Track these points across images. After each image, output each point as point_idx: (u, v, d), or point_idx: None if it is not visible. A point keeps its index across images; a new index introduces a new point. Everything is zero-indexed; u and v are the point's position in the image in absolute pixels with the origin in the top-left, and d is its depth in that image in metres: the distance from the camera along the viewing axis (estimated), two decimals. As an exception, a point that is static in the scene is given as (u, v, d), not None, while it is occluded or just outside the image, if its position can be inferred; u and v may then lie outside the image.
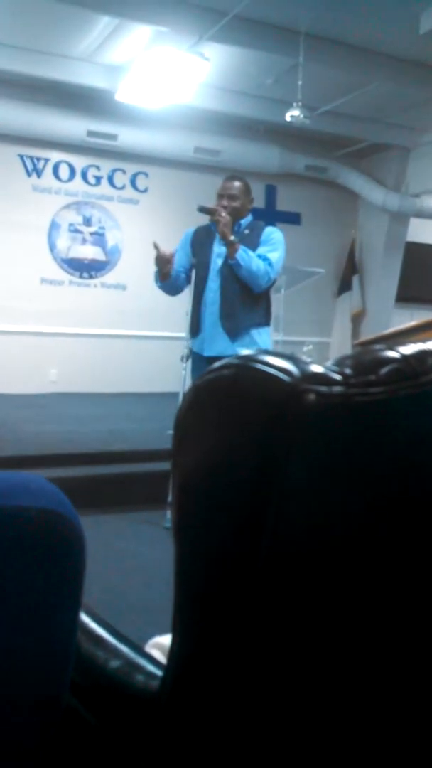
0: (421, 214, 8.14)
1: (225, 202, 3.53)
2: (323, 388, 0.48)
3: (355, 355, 0.53)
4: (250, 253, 3.44)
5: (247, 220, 3.62)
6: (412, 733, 0.60)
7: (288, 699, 0.55)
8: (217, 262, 3.56)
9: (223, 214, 3.43)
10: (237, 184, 3.59)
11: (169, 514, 3.57)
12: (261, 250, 3.51)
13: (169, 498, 3.54)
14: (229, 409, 0.51)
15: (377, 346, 0.54)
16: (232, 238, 3.41)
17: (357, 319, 8.54)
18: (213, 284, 3.57)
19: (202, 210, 3.52)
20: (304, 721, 0.56)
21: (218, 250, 3.57)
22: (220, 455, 0.52)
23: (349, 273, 8.51)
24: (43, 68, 5.95)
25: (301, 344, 6.63)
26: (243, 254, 3.41)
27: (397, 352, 0.52)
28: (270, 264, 3.48)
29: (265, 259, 3.47)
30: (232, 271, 3.48)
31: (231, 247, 3.42)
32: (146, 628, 1.15)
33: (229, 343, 3.49)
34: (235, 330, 3.52)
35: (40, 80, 6.16)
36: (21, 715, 0.61)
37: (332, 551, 0.50)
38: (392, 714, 0.58)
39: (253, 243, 3.52)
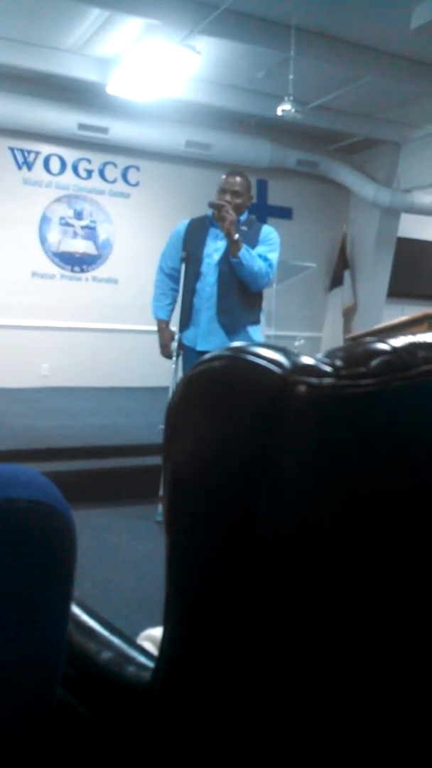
0: (412, 210, 8.16)
1: (228, 198, 3.50)
2: (314, 380, 0.48)
3: (346, 348, 0.53)
4: (252, 252, 3.44)
5: (244, 216, 3.61)
6: (407, 730, 0.60)
7: (280, 689, 0.55)
8: (213, 256, 3.54)
9: (230, 211, 3.40)
10: (239, 179, 3.56)
11: (160, 508, 3.57)
12: (260, 249, 3.50)
13: (161, 492, 3.55)
14: (220, 400, 0.52)
15: (368, 339, 0.54)
16: (236, 236, 3.39)
17: (348, 314, 8.56)
18: (210, 278, 3.54)
19: (212, 205, 3.48)
20: (296, 711, 0.56)
21: (215, 244, 3.55)
22: (210, 447, 0.52)
23: (340, 268, 8.52)
24: (34, 60, 5.91)
25: (292, 339, 6.64)
26: (246, 254, 3.40)
27: (388, 344, 0.53)
28: (270, 265, 3.49)
29: (265, 259, 3.47)
30: (230, 267, 3.47)
31: (234, 245, 3.40)
32: (138, 622, 1.15)
33: (225, 340, 3.48)
34: (232, 326, 3.51)
35: (30, 72, 6.12)
36: (12, 709, 0.61)
37: (323, 543, 0.50)
38: (385, 705, 0.58)
39: (252, 241, 3.51)
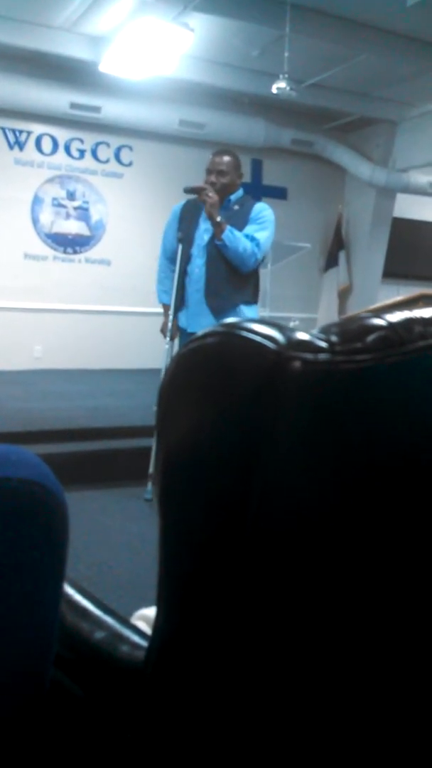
0: (408, 190, 8.12)
1: (213, 178, 3.48)
2: (309, 356, 0.48)
3: (342, 323, 0.52)
4: (237, 233, 3.40)
5: (237, 195, 3.58)
6: (405, 716, 0.60)
7: (274, 668, 0.55)
8: (203, 237, 3.53)
9: (210, 194, 3.38)
10: (226, 158, 3.53)
11: (150, 485, 3.58)
12: (249, 228, 3.47)
13: (150, 470, 3.56)
14: (213, 377, 0.51)
15: (363, 315, 0.53)
16: (218, 218, 3.37)
17: (344, 295, 8.55)
18: (199, 260, 3.54)
19: (190, 190, 3.47)
20: (291, 691, 0.56)
21: (205, 225, 3.53)
22: (204, 424, 0.51)
23: (335, 248, 8.50)
24: (24, 38, 5.83)
25: (287, 320, 6.62)
26: (230, 234, 3.38)
27: (384, 320, 0.52)
28: (258, 244, 3.44)
29: (252, 239, 3.43)
30: (218, 249, 3.45)
31: (217, 227, 3.38)
32: (132, 603, 1.15)
33: (213, 321, 3.47)
34: (219, 308, 3.50)
35: (20, 50, 6.04)
36: (4, 688, 0.61)
37: (320, 520, 0.50)
38: (383, 687, 0.58)
39: (242, 219, 3.48)
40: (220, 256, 3.45)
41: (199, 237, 3.55)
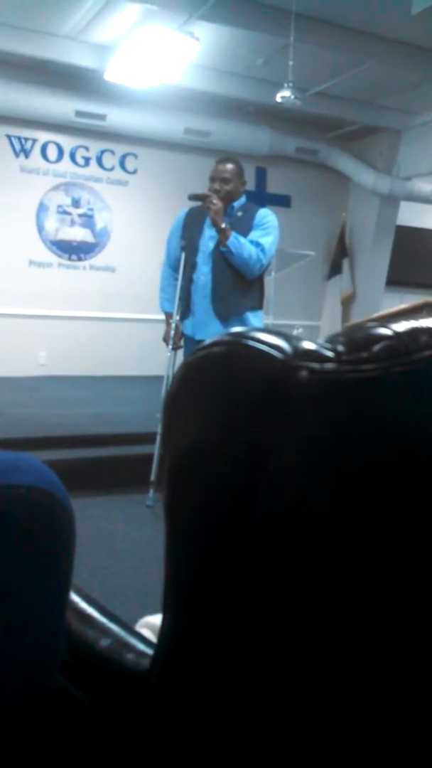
0: (412, 198, 8.13)
1: (217, 186, 3.50)
2: (315, 365, 0.48)
3: (348, 333, 0.52)
4: (242, 239, 3.42)
5: (240, 202, 3.59)
6: (410, 716, 0.60)
7: (279, 676, 0.55)
8: (209, 245, 3.54)
9: (215, 200, 3.40)
10: (229, 166, 3.55)
11: (152, 492, 3.59)
12: (254, 234, 3.48)
13: (152, 477, 3.56)
14: (220, 386, 0.51)
15: (370, 324, 0.53)
16: (223, 225, 3.39)
17: (347, 303, 8.54)
18: (205, 267, 3.55)
19: (194, 197, 3.48)
20: (296, 698, 0.56)
21: (210, 232, 3.54)
22: (211, 433, 0.52)
23: (339, 256, 8.50)
24: (30, 47, 5.86)
25: (290, 328, 6.62)
26: (234, 241, 3.39)
27: (390, 329, 0.52)
28: (262, 250, 3.46)
29: (257, 244, 3.44)
30: (224, 256, 3.46)
31: (222, 234, 3.40)
32: (136, 609, 1.15)
33: (220, 328, 3.47)
34: (226, 315, 3.51)
35: (26, 59, 6.07)
36: (10, 696, 0.61)
37: (324, 529, 0.50)
38: (389, 693, 0.58)
39: (246, 226, 3.49)
40: (225, 263, 3.46)
41: (204, 244, 3.56)
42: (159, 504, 3.58)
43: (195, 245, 3.57)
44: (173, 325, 3.66)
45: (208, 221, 3.53)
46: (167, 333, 3.72)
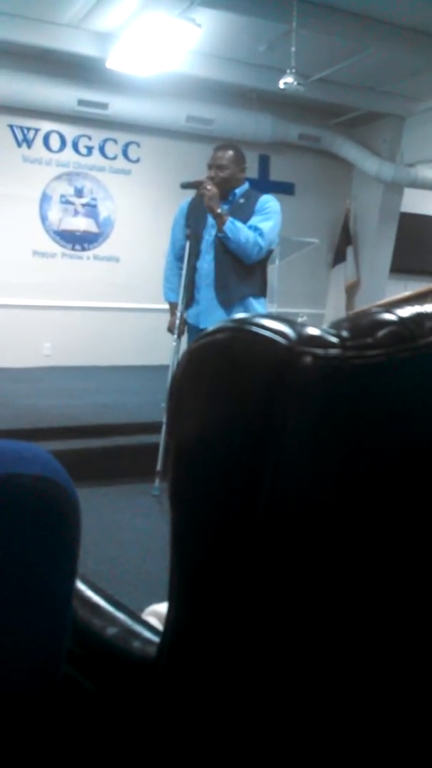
0: (416, 184, 8.08)
1: (213, 173, 3.50)
2: (320, 351, 0.48)
3: (352, 318, 0.52)
4: (239, 224, 3.41)
5: (242, 188, 3.58)
6: (412, 708, 0.60)
7: (284, 663, 0.55)
8: (211, 233, 3.54)
9: (209, 187, 3.40)
10: (227, 153, 3.54)
11: (157, 482, 3.59)
12: (254, 219, 3.47)
13: (158, 466, 3.56)
14: (225, 372, 0.51)
15: (374, 309, 0.53)
16: (219, 210, 3.39)
17: (351, 290, 8.52)
18: (207, 255, 3.55)
19: (187, 185, 3.50)
20: (301, 687, 0.56)
21: (212, 221, 3.54)
22: (215, 419, 0.51)
23: (343, 244, 8.46)
24: (32, 35, 5.83)
25: (295, 316, 6.57)
26: (231, 226, 3.39)
27: (395, 315, 0.52)
28: (261, 234, 3.44)
29: (255, 229, 3.43)
30: (224, 243, 3.46)
31: (218, 219, 3.41)
32: (143, 598, 1.15)
33: (224, 315, 3.47)
34: (229, 301, 3.51)
35: (28, 48, 6.04)
36: (17, 685, 0.62)
37: (329, 514, 0.50)
38: (392, 685, 0.58)
39: (247, 212, 3.48)
40: (226, 250, 3.46)
41: (207, 233, 3.56)
42: (165, 494, 3.58)
43: (199, 234, 3.57)
44: (178, 315, 3.66)
45: None
46: (172, 323, 3.72)
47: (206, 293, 3.56)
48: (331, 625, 0.54)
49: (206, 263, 3.55)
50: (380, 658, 0.57)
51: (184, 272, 3.61)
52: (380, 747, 0.59)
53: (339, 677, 0.56)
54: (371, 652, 0.56)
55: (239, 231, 3.39)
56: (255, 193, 3.60)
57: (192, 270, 3.59)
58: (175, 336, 3.70)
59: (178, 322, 3.66)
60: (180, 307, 3.66)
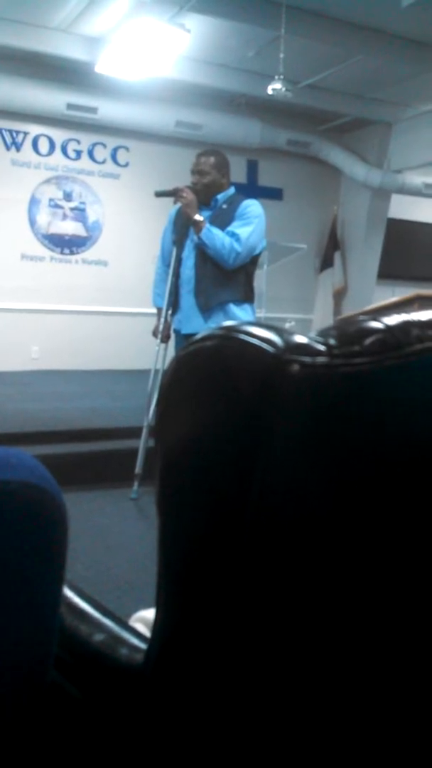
0: (403, 191, 8.13)
1: (195, 179, 3.52)
2: (307, 359, 0.48)
3: (339, 326, 0.52)
4: (215, 230, 3.41)
5: (226, 194, 3.59)
6: (407, 710, 0.60)
7: (274, 669, 0.55)
8: (194, 238, 3.54)
9: (184, 194, 3.42)
10: (209, 159, 3.56)
11: (136, 485, 3.62)
12: (232, 225, 3.47)
13: (136, 469, 3.58)
14: (212, 380, 0.51)
15: (361, 317, 0.53)
16: (196, 217, 3.41)
17: (339, 296, 8.55)
18: (189, 261, 3.58)
19: (160, 194, 3.53)
20: (290, 692, 0.56)
21: None
22: (203, 426, 0.51)
23: (331, 249, 8.50)
24: (20, 39, 5.82)
25: (282, 321, 6.62)
26: (207, 233, 3.41)
27: (382, 322, 0.52)
28: (238, 239, 3.42)
29: (232, 235, 3.42)
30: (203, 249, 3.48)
31: (195, 226, 3.43)
32: (130, 604, 1.15)
33: (203, 321, 3.49)
34: (206, 306, 3.51)
35: (17, 51, 6.03)
36: (4, 691, 0.61)
37: (318, 522, 0.50)
38: (385, 694, 0.58)
39: (227, 218, 3.49)
40: (205, 256, 3.47)
41: (189, 239, 3.58)
42: (144, 497, 3.59)
43: (182, 240, 3.60)
44: (162, 320, 3.68)
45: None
46: (156, 327, 3.75)
47: (187, 299, 3.59)
48: (323, 631, 0.54)
49: (188, 269, 3.58)
50: (377, 667, 0.57)
51: (170, 278, 3.63)
52: (377, 760, 0.60)
53: (331, 685, 0.57)
54: (366, 659, 0.56)
55: (215, 237, 3.40)
56: (238, 198, 3.60)
57: (175, 276, 3.62)
58: (159, 341, 3.73)
59: (161, 326, 3.69)
60: (164, 312, 3.68)
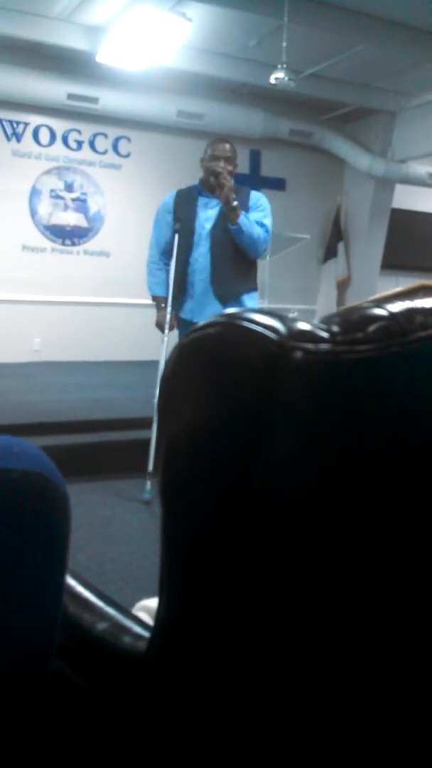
0: (407, 180, 8.10)
1: (223, 164, 3.43)
2: (310, 346, 0.48)
3: (343, 313, 0.52)
4: (250, 218, 3.40)
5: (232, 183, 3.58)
6: (412, 707, 0.60)
7: (277, 657, 0.55)
8: (204, 226, 3.50)
9: (228, 177, 3.37)
10: (229, 146, 3.52)
11: (148, 485, 3.52)
12: (254, 215, 3.46)
13: (150, 467, 3.49)
14: (215, 367, 0.51)
15: (365, 304, 0.53)
16: (235, 203, 3.36)
17: (342, 286, 8.54)
18: (202, 249, 3.50)
19: (213, 172, 3.39)
20: (294, 681, 0.56)
21: (205, 214, 3.50)
22: (206, 414, 0.51)
23: (334, 240, 8.48)
24: (21, 28, 5.80)
25: (286, 311, 6.58)
26: (245, 220, 3.37)
27: (385, 310, 0.52)
28: (267, 230, 3.45)
29: (261, 225, 3.43)
30: (223, 237, 3.43)
31: (233, 212, 3.35)
32: (133, 594, 1.15)
33: (220, 310, 3.44)
34: (226, 297, 3.48)
35: (17, 41, 6.01)
36: (6, 679, 0.61)
37: (320, 511, 0.50)
38: (392, 690, 0.58)
39: (242, 207, 3.47)
40: (224, 244, 3.43)
41: (199, 226, 3.51)
42: (157, 499, 3.54)
43: (190, 228, 3.52)
44: (168, 311, 3.59)
45: (200, 202, 3.50)
46: (162, 318, 3.63)
47: (201, 287, 3.51)
48: (325, 620, 0.54)
49: (201, 257, 3.50)
50: (378, 655, 0.57)
51: (172, 267, 3.55)
52: (378, 754, 0.60)
53: (333, 672, 0.57)
54: (367, 647, 0.56)
55: (252, 225, 3.38)
56: (244, 189, 3.58)
57: (184, 264, 3.54)
58: (166, 332, 3.65)
59: (168, 317, 3.59)
60: (169, 302, 3.59)
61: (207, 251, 3.48)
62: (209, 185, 3.45)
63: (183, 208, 3.56)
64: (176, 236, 3.53)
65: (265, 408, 0.48)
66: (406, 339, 0.50)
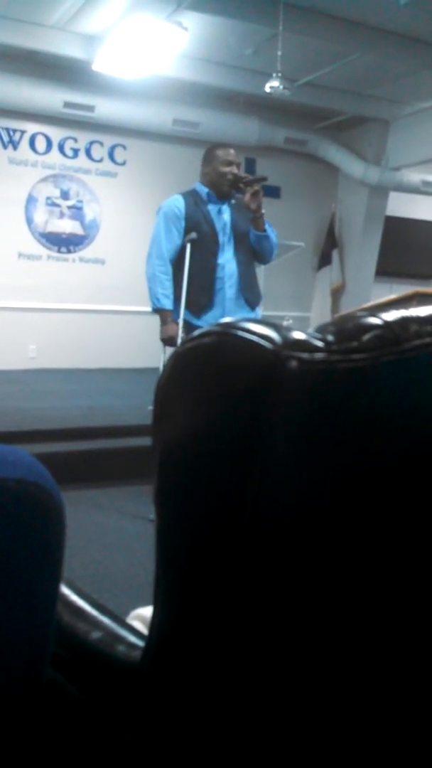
0: (401, 188, 8.14)
1: (236, 170, 3.43)
2: (305, 355, 0.48)
3: (337, 322, 0.52)
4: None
5: None
6: (408, 711, 0.60)
7: (272, 667, 0.55)
8: (225, 231, 3.47)
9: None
10: (234, 151, 3.55)
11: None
12: None
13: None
14: (210, 377, 0.51)
15: (359, 313, 0.53)
16: (263, 210, 3.39)
17: (337, 294, 8.56)
18: (228, 255, 3.44)
19: (248, 182, 3.38)
20: (289, 689, 0.56)
21: (221, 220, 3.45)
22: (201, 423, 0.51)
23: (328, 247, 8.50)
24: (18, 37, 5.82)
25: (281, 319, 6.62)
26: (269, 226, 3.44)
27: (380, 318, 0.52)
28: (276, 237, 3.51)
29: (272, 232, 3.50)
30: (241, 243, 3.44)
31: (261, 219, 3.39)
32: (128, 602, 1.15)
33: (250, 314, 3.44)
34: (255, 300, 3.52)
35: (14, 49, 6.02)
36: (1, 689, 0.61)
37: (316, 518, 0.50)
38: (385, 696, 0.58)
39: (246, 215, 3.48)
40: (244, 251, 3.45)
41: (221, 233, 3.45)
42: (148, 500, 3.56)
43: (211, 236, 3.42)
44: (180, 324, 3.39)
45: (212, 209, 3.45)
46: (174, 331, 3.40)
47: (231, 294, 3.43)
48: (322, 627, 0.54)
49: (228, 263, 3.42)
50: (376, 663, 0.57)
51: (185, 276, 3.39)
52: (376, 756, 0.60)
53: (330, 681, 0.56)
54: (365, 654, 0.56)
55: (273, 231, 3.44)
56: (239, 196, 3.57)
57: (210, 271, 3.40)
58: (179, 345, 3.55)
59: (181, 332, 3.37)
60: (181, 314, 3.40)
61: (232, 257, 3.44)
62: (223, 191, 3.42)
63: (196, 215, 3.45)
64: (188, 245, 3.39)
65: (260, 417, 0.48)
66: (400, 348, 0.50)
